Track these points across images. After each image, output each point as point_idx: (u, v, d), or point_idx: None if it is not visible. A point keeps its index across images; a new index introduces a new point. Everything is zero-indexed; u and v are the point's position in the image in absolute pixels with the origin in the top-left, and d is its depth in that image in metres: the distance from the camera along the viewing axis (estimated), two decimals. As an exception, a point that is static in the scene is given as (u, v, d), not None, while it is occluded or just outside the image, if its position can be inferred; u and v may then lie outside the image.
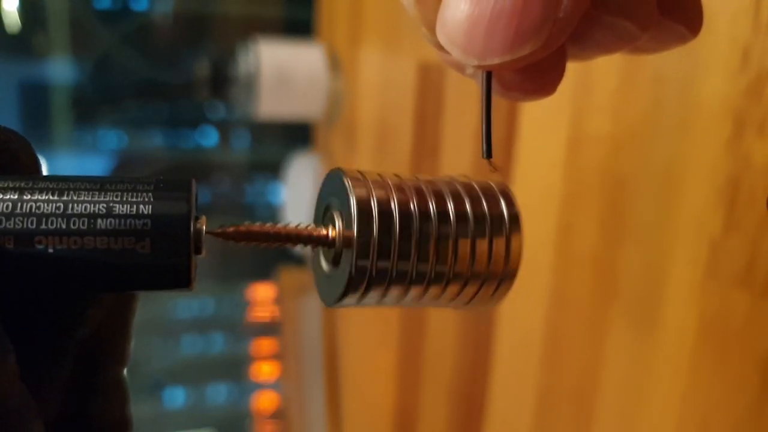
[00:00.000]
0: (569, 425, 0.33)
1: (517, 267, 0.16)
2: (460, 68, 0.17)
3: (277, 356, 0.90)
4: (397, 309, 0.55)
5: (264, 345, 0.90)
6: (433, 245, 0.15)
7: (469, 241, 0.15)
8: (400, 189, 0.15)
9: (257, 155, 0.95)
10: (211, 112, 0.87)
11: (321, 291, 0.17)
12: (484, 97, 0.16)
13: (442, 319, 0.47)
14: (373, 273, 0.15)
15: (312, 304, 0.80)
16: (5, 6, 0.76)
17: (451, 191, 0.16)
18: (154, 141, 0.89)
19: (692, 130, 0.25)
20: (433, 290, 0.15)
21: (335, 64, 0.68)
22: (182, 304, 0.94)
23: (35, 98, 0.82)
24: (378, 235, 0.15)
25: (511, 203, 0.16)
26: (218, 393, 0.96)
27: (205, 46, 0.86)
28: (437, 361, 0.49)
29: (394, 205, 0.15)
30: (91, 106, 0.85)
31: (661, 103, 0.27)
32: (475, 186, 0.16)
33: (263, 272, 0.90)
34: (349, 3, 0.67)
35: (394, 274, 0.15)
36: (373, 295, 0.15)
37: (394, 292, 0.15)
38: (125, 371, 0.17)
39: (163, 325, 0.92)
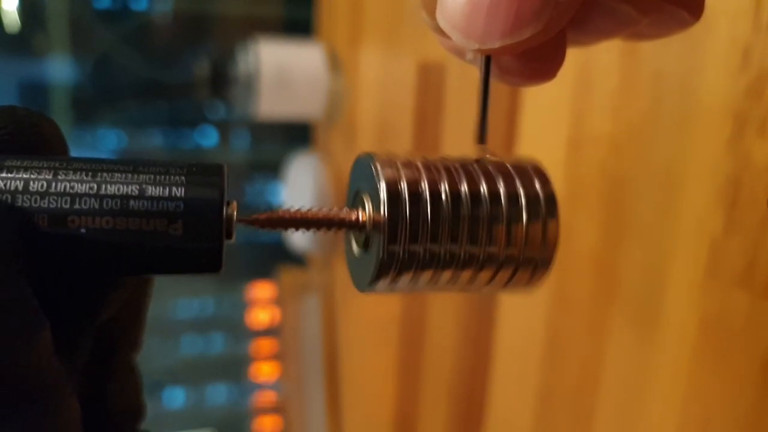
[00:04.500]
0: (570, 425, 0.33)
1: (554, 251, 0.15)
2: (460, 53, 0.17)
3: (277, 356, 0.90)
4: (398, 309, 0.55)
5: (264, 345, 0.90)
6: (465, 227, 0.14)
7: (502, 222, 0.15)
8: (429, 170, 0.15)
9: (257, 155, 0.95)
10: (211, 112, 0.87)
11: (353, 276, 0.16)
12: (481, 82, 0.16)
13: (443, 319, 0.47)
14: (404, 256, 0.14)
15: (312, 304, 0.80)
16: (5, 6, 0.76)
17: (483, 171, 0.15)
18: (154, 141, 0.89)
19: (692, 129, 0.25)
20: (466, 274, 0.15)
21: (335, 63, 0.68)
22: (182, 304, 0.94)
23: (35, 98, 0.82)
24: (408, 218, 0.14)
25: (546, 182, 0.16)
26: (218, 393, 0.96)
27: (205, 46, 0.86)
28: (437, 361, 0.49)
29: (423, 187, 0.14)
30: (90, 106, 0.85)
31: (661, 102, 0.27)
32: (508, 165, 0.16)
33: (263, 272, 0.89)
34: (349, 3, 0.67)
35: (425, 257, 0.14)
36: (405, 278, 0.15)
37: (426, 275, 0.15)
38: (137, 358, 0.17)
39: (162, 325, 0.92)
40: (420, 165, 0.15)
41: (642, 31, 0.16)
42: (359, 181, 0.16)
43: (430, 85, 0.49)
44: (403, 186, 0.14)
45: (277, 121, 0.71)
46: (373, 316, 0.62)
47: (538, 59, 0.16)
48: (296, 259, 0.86)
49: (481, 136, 0.16)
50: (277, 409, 0.90)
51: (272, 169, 0.84)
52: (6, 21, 0.76)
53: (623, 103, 0.29)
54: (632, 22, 0.15)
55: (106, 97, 0.85)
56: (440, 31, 0.14)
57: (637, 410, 0.28)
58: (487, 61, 0.16)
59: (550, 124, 0.34)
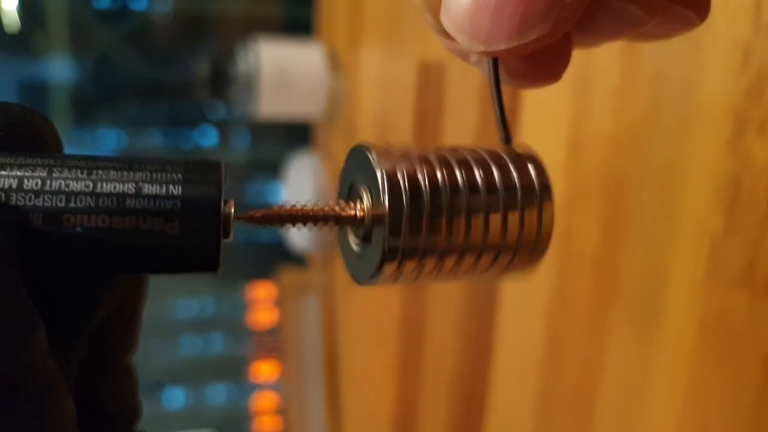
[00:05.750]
0: (570, 426, 0.33)
1: (549, 236, 0.16)
2: (464, 56, 0.17)
3: (277, 356, 0.90)
4: (398, 308, 0.55)
5: (264, 346, 0.90)
6: (463, 216, 0.15)
7: (499, 210, 0.15)
8: (427, 161, 0.15)
9: (257, 155, 0.95)
10: (211, 111, 0.87)
11: (350, 269, 0.16)
12: (492, 84, 0.16)
13: (443, 319, 0.47)
14: (405, 247, 0.14)
15: (312, 304, 0.80)
16: (5, 6, 0.76)
17: (479, 161, 0.15)
18: (154, 141, 0.89)
19: (693, 129, 0.25)
20: (466, 261, 0.15)
21: (335, 63, 0.68)
22: (182, 304, 0.94)
23: (35, 98, 0.82)
24: (409, 209, 0.14)
25: (541, 171, 0.16)
26: (218, 393, 0.96)
27: (204, 46, 0.86)
28: (437, 361, 0.49)
29: (423, 179, 0.14)
30: (90, 106, 0.85)
31: (661, 102, 0.27)
32: (503, 155, 0.16)
33: (263, 272, 0.89)
34: (349, 3, 0.67)
35: (426, 248, 0.14)
36: (407, 270, 0.15)
37: (428, 266, 0.15)
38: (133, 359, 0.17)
39: (162, 325, 0.92)
40: (417, 156, 0.15)
41: (648, 31, 0.16)
42: (354, 173, 0.16)
43: (430, 85, 0.49)
44: (403, 177, 0.14)
45: (277, 121, 0.71)
46: (373, 315, 0.62)
47: (543, 61, 0.16)
48: (296, 259, 0.86)
49: (506, 136, 0.16)
50: (277, 409, 0.90)
51: (272, 169, 0.84)
52: (6, 21, 0.76)
53: (623, 103, 0.29)
54: (639, 23, 0.15)
55: (106, 97, 0.85)
56: (444, 34, 0.14)
57: (638, 410, 0.28)
58: (495, 62, 0.16)
59: (550, 124, 0.34)
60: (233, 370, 0.94)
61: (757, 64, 0.23)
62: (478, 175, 0.15)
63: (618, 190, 0.29)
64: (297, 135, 0.85)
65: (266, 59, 0.65)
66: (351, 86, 0.66)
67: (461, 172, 0.15)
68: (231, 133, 0.91)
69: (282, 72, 0.65)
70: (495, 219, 0.15)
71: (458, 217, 0.15)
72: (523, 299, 0.37)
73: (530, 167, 0.16)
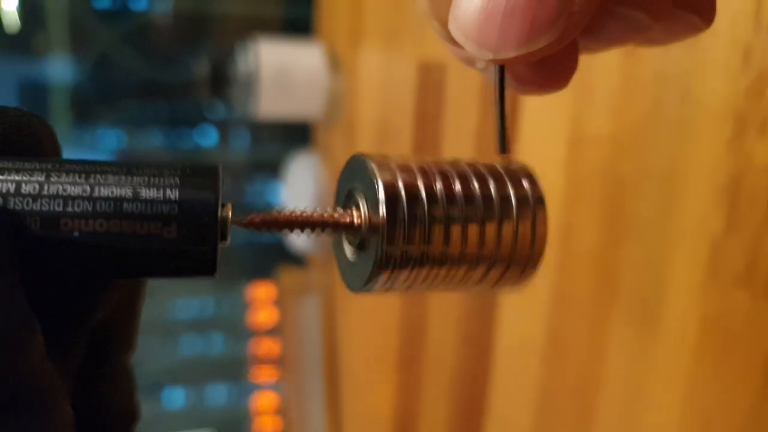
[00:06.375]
0: (570, 426, 0.33)
1: (543, 249, 0.16)
2: (470, 62, 0.17)
3: (277, 357, 0.90)
4: (397, 309, 0.55)
5: (264, 346, 0.90)
6: (458, 228, 0.15)
7: (495, 223, 0.15)
8: (424, 172, 0.15)
9: (257, 155, 0.95)
10: (211, 111, 0.87)
11: (344, 276, 0.16)
12: (497, 92, 0.16)
13: (443, 320, 0.47)
14: (400, 257, 0.15)
15: (312, 304, 0.80)
16: (5, 6, 0.76)
17: (475, 173, 0.16)
18: (154, 141, 0.89)
19: (693, 130, 0.25)
20: (459, 273, 0.15)
21: (335, 63, 0.68)
22: (182, 305, 0.94)
23: (35, 98, 0.82)
24: (405, 219, 0.14)
25: (534, 185, 0.16)
26: (218, 393, 0.96)
27: (204, 46, 0.86)
28: (437, 361, 0.49)
29: (420, 188, 0.15)
30: (90, 106, 0.85)
31: (661, 103, 0.27)
32: (499, 168, 0.16)
33: (263, 272, 0.89)
34: (349, 3, 0.67)
35: (420, 258, 0.15)
36: (400, 279, 0.15)
37: (421, 275, 0.15)
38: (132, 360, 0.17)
39: (162, 325, 0.92)
40: (414, 167, 0.15)
41: (653, 37, 0.16)
42: (352, 181, 0.16)
43: (430, 85, 0.49)
44: (401, 187, 0.15)
45: (277, 121, 0.71)
46: (373, 316, 0.62)
47: (550, 67, 0.16)
48: (296, 260, 0.86)
49: (502, 146, 0.17)
50: (277, 409, 0.90)
51: (272, 169, 0.84)
52: (6, 21, 0.76)
53: (624, 104, 0.29)
54: (645, 28, 0.15)
55: (106, 97, 0.85)
56: (452, 41, 0.14)
57: (638, 410, 0.28)
58: (501, 70, 0.16)
59: (550, 124, 0.34)
60: (233, 371, 0.94)
61: (757, 64, 0.23)
62: (474, 186, 0.15)
63: (618, 190, 0.29)
64: (297, 135, 0.85)
65: (266, 59, 0.65)
66: (351, 86, 0.66)
67: (457, 184, 0.15)
68: (231, 133, 0.91)
69: (282, 72, 0.65)
70: (490, 230, 0.15)
71: (453, 228, 0.15)
72: (523, 299, 0.37)
73: (524, 181, 0.16)
